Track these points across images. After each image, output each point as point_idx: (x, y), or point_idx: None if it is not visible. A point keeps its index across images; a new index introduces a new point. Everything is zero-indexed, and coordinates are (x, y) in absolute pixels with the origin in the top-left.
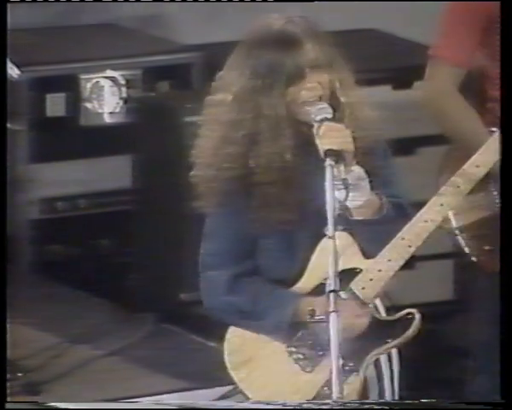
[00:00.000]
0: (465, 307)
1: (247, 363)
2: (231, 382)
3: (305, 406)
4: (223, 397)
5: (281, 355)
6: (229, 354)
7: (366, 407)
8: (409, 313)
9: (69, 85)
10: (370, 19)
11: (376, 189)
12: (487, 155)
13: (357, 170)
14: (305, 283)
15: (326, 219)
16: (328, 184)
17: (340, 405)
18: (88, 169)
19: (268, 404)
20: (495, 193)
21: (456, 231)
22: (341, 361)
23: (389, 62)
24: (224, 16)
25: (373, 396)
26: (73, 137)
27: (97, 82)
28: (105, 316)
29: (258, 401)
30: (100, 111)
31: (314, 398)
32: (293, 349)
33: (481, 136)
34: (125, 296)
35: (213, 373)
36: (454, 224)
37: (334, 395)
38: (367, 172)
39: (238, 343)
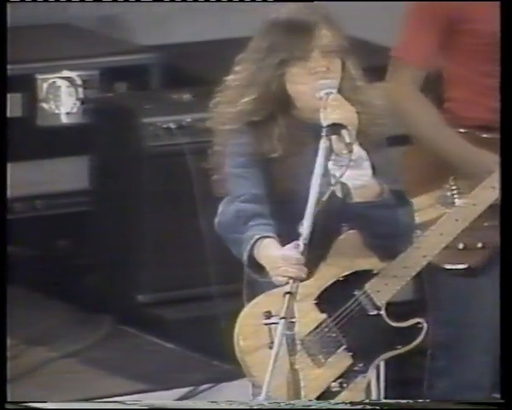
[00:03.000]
0: (424, 308)
1: (261, 349)
2: (194, 382)
3: (302, 405)
4: (182, 399)
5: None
6: (244, 338)
7: (368, 407)
8: (418, 323)
9: (25, 86)
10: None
11: (375, 175)
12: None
13: (358, 149)
14: (320, 279)
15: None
16: (319, 159)
17: (335, 405)
18: (44, 170)
19: (269, 403)
20: (455, 190)
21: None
22: (351, 361)
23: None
24: (181, 17)
25: (374, 396)
26: (30, 138)
27: (54, 82)
28: (62, 318)
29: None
30: (57, 112)
31: (322, 393)
32: (307, 342)
33: (444, 136)
34: (82, 298)
35: (171, 375)
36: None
37: (263, 395)
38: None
39: (252, 329)
